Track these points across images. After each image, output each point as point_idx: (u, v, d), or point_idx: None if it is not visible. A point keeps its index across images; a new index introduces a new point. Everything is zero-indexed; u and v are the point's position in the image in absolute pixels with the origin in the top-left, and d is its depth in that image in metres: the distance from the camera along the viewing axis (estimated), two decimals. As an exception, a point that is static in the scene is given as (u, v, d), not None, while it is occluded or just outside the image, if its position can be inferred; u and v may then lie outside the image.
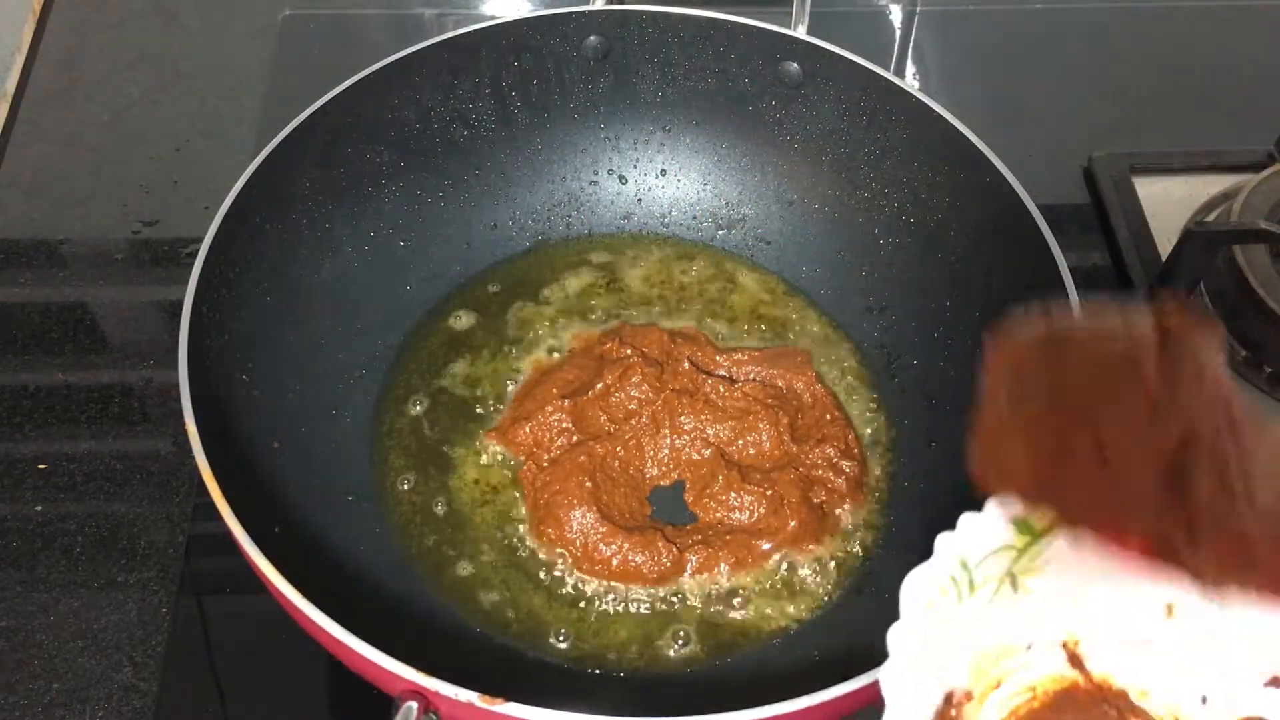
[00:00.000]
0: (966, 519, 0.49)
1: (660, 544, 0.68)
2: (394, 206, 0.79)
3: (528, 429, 0.73)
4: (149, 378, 0.81)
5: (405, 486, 0.72)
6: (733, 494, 0.70)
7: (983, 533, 0.49)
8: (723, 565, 0.68)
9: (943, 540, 0.48)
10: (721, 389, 0.74)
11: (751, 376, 0.76)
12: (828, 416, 0.74)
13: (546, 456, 0.72)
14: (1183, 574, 0.40)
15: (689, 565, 0.68)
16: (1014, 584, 0.49)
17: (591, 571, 0.68)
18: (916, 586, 0.48)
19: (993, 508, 0.48)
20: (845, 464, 0.72)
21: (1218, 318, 0.81)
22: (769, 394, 0.74)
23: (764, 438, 0.73)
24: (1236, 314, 0.79)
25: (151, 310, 0.85)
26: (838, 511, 0.71)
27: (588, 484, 0.70)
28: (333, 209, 0.75)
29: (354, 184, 0.76)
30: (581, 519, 0.69)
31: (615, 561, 0.68)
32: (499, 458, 0.73)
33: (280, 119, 0.71)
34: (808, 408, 0.75)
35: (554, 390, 0.74)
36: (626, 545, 0.68)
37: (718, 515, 0.71)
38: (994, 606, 0.49)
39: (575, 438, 0.72)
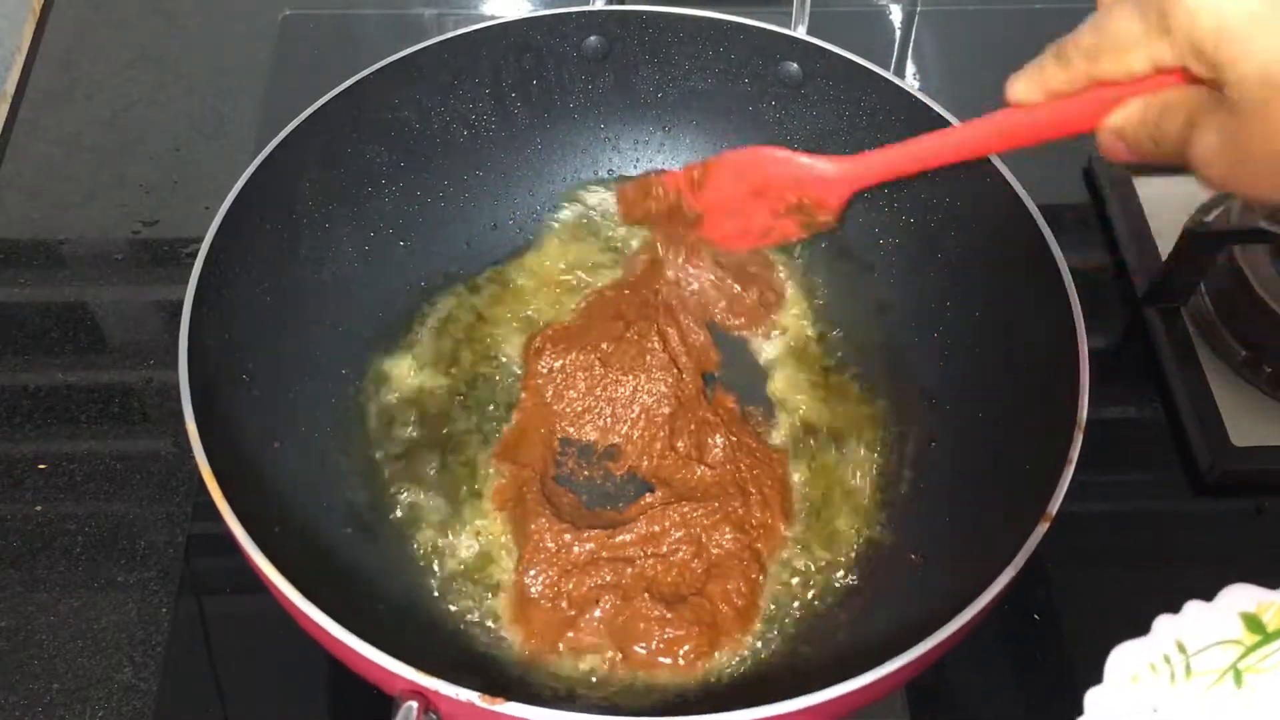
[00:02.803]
0: (1193, 606, 0.49)
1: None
2: (394, 206, 0.79)
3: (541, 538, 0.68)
4: (149, 378, 0.81)
5: (405, 485, 0.72)
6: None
7: (1209, 622, 0.49)
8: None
9: (1162, 621, 0.49)
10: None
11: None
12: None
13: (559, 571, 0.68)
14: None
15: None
16: (1238, 679, 0.49)
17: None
18: (1124, 658, 0.48)
19: (1224, 600, 0.48)
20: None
21: (1218, 318, 0.81)
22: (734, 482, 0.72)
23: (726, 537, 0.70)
24: (1236, 314, 0.79)
25: (151, 310, 0.85)
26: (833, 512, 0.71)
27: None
28: (333, 209, 0.75)
29: (354, 184, 0.76)
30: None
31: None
32: (494, 464, 0.73)
33: (280, 119, 0.71)
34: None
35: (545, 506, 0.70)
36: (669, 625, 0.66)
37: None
38: (1210, 697, 0.49)
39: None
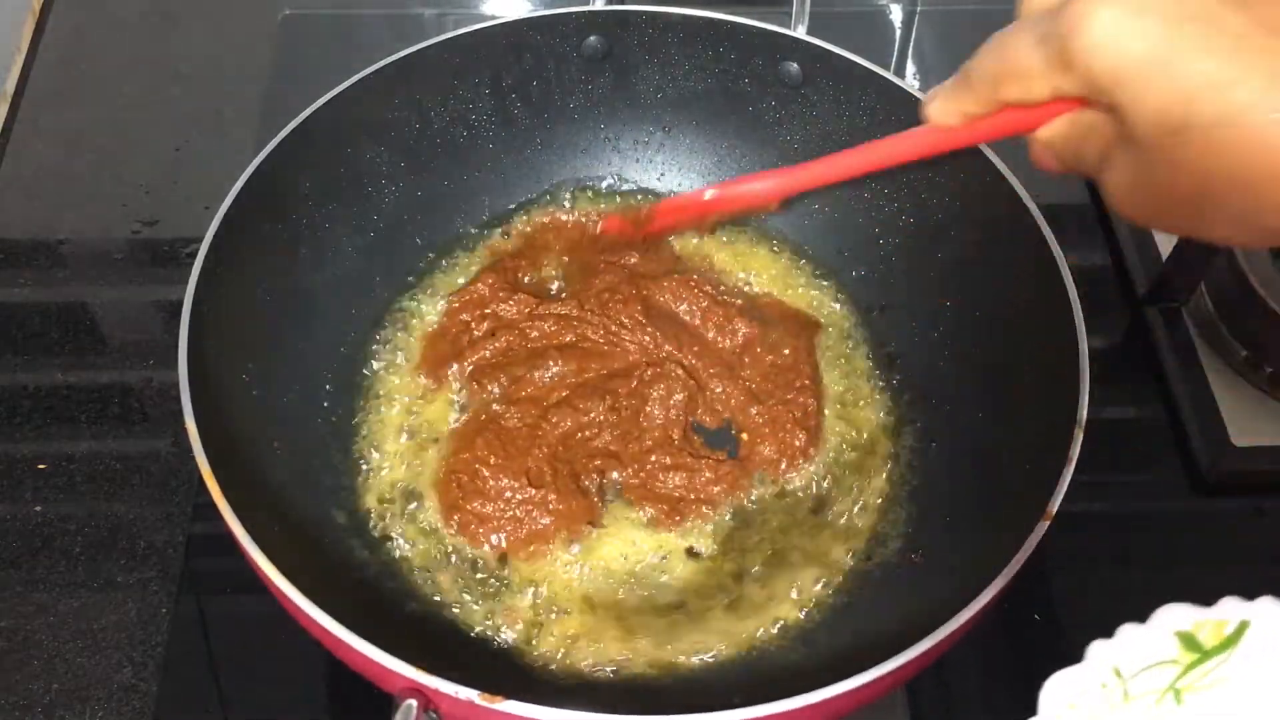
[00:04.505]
0: (1127, 629, 0.48)
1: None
2: (394, 206, 0.79)
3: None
4: (149, 378, 0.81)
5: (404, 484, 0.72)
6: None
7: (1144, 644, 0.48)
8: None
9: (1096, 647, 0.48)
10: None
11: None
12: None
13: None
14: None
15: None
16: (1178, 699, 0.49)
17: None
18: (1060, 687, 0.48)
19: (1158, 620, 0.48)
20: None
21: (1218, 318, 0.81)
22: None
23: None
24: (1236, 314, 0.79)
25: (151, 310, 0.85)
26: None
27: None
28: (333, 209, 0.75)
29: (354, 184, 0.76)
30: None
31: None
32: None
33: (280, 119, 0.71)
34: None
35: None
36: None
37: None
38: (1151, 719, 0.49)
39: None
